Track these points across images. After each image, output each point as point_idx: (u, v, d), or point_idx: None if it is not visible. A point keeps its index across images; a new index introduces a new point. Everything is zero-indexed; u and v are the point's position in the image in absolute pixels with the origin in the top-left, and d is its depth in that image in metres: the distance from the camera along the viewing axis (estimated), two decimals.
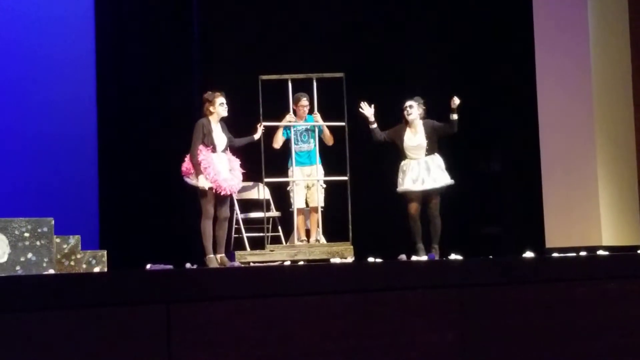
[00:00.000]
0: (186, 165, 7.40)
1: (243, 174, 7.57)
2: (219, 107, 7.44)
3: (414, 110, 7.80)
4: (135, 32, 9.99)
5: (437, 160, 7.80)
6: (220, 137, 7.45)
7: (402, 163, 7.85)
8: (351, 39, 10.15)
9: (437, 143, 7.86)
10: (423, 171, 7.74)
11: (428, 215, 7.80)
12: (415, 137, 7.80)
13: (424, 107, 7.89)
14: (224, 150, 7.48)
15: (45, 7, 9.51)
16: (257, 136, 7.68)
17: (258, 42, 9.90)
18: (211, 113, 7.45)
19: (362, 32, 10.27)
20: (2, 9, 9.28)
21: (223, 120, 7.52)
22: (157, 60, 9.94)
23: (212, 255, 7.33)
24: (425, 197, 7.78)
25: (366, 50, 10.20)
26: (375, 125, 7.86)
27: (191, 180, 7.37)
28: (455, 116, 7.66)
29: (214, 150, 7.39)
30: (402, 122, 7.87)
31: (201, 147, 7.34)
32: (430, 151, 7.79)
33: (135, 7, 9.99)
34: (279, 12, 10.08)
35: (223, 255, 7.39)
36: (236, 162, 7.55)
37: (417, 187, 7.72)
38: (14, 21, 9.34)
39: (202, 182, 7.27)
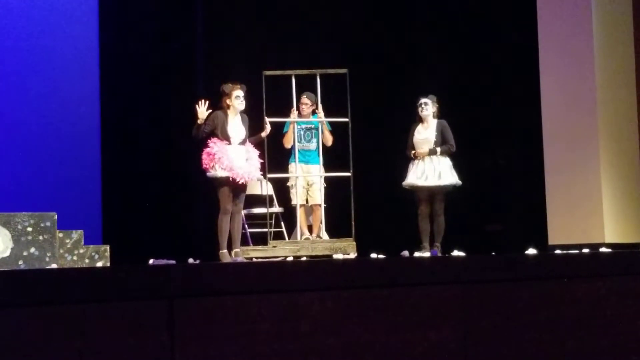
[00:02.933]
0: (204, 160, 7.30)
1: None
2: (235, 100, 7.32)
3: (429, 107, 7.95)
4: (139, 27, 10.00)
5: (445, 160, 7.87)
6: (237, 129, 7.33)
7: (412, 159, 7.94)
8: (355, 35, 10.14)
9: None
10: (429, 169, 7.81)
11: (432, 213, 7.88)
12: (425, 132, 7.92)
13: (437, 105, 7.99)
14: (242, 143, 7.36)
15: (48, 3, 9.51)
16: (264, 134, 7.58)
17: (262, 38, 9.89)
18: (228, 106, 7.35)
19: (366, 29, 10.26)
20: (4, 4, 9.27)
21: (243, 113, 7.41)
22: (161, 56, 9.94)
23: (225, 251, 7.28)
24: (431, 195, 7.85)
25: (369, 46, 10.19)
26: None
27: (210, 173, 7.27)
28: (439, 149, 7.85)
29: (229, 143, 7.29)
30: (416, 119, 7.99)
31: (216, 139, 7.27)
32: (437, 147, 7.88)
33: (138, 2, 10.00)
34: (282, 7, 10.07)
35: (238, 250, 7.32)
36: (254, 152, 7.41)
37: (421, 182, 7.81)
38: (17, 16, 9.34)
39: (220, 173, 7.18)
